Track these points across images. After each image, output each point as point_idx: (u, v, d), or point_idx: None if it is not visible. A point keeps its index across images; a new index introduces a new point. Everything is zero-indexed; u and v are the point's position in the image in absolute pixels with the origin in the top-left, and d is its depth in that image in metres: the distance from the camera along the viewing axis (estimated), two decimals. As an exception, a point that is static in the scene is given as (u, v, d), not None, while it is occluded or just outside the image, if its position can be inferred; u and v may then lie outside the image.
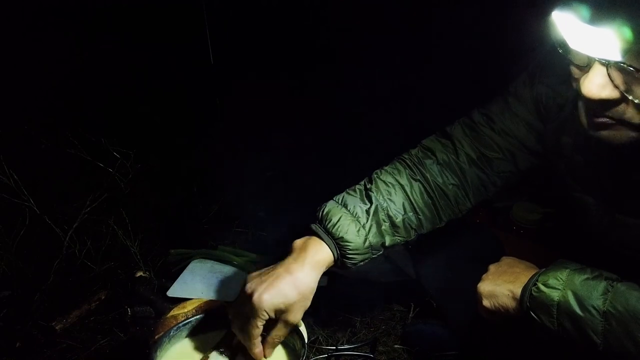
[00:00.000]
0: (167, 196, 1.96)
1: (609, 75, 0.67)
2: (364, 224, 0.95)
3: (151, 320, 1.35)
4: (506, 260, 0.88)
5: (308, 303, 0.91)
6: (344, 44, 2.22)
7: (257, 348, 0.89)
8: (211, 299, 1.30)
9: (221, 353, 0.95)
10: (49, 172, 1.79)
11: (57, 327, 1.29)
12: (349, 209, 0.97)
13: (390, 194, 0.99)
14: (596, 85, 0.68)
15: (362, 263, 0.97)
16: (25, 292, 1.40)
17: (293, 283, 0.88)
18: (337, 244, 0.93)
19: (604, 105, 0.70)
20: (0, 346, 1.24)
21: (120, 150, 1.48)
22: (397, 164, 1.05)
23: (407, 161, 1.05)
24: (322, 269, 0.93)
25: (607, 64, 0.67)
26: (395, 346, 1.25)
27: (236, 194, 2.05)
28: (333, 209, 0.98)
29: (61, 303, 1.39)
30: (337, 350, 1.22)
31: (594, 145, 0.84)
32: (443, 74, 2.07)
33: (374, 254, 0.98)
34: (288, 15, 2.23)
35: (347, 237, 0.93)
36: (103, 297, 1.43)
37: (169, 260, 1.62)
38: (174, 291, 1.43)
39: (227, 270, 1.59)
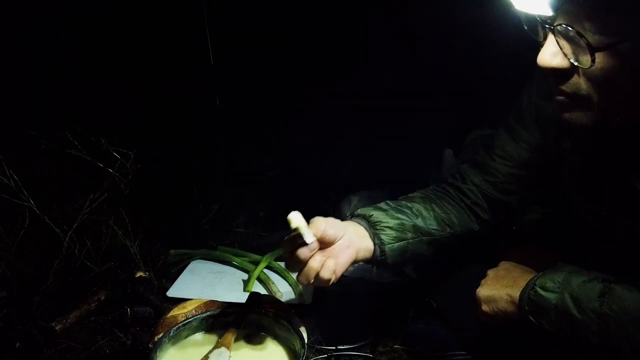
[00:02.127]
0: (167, 196, 1.96)
1: (558, 44, 0.71)
2: (391, 212, 1.03)
3: (151, 320, 1.35)
4: (504, 265, 0.89)
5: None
6: (344, 43, 2.22)
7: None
8: (211, 299, 1.30)
9: (221, 353, 0.94)
10: (49, 172, 1.79)
11: (56, 328, 1.29)
12: (377, 206, 1.06)
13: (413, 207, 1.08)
14: (548, 54, 0.73)
15: (398, 244, 1.00)
16: (25, 292, 1.40)
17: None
18: (368, 220, 1.01)
19: (560, 77, 0.73)
20: (0, 346, 1.24)
21: (120, 150, 1.48)
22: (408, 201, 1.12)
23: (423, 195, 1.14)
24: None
25: (552, 29, 0.71)
26: (395, 346, 1.25)
27: (236, 194, 2.05)
28: (361, 209, 1.05)
29: (61, 303, 1.38)
30: (336, 350, 1.22)
31: (582, 139, 0.87)
32: (443, 74, 2.08)
33: (409, 236, 1.01)
34: (288, 15, 2.23)
35: (376, 215, 1.01)
36: (103, 298, 1.42)
37: (168, 261, 1.62)
38: (173, 291, 1.43)
39: (227, 270, 1.59)
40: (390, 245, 1.00)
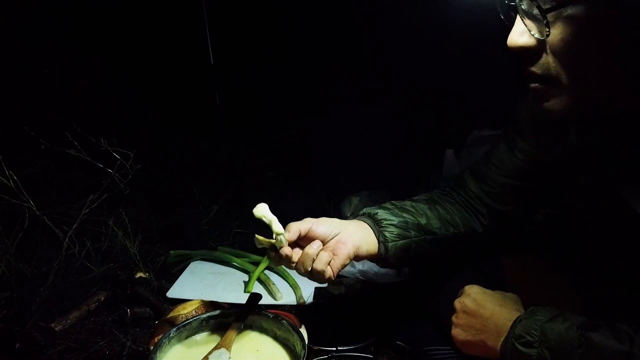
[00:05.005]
0: (167, 196, 1.95)
1: (524, 23, 0.71)
2: (396, 211, 1.04)
3: (151, 321, 1.35)
4: (471, 297, 0.88)
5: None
6: (345, 43, 2.22)
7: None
8: (211, 300, 1.30)
9: (221, 354, 0.94)
10: (49, 172, 1.79)
11: (56, 328, 1.29)
12: (382, 205, 1.07)
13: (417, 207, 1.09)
14: (515, 33, 0.72)
15: (401, 242, 1.01)
16: (25, 293, 1.40)
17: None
18: (373, 218, 1.02)
19: (530, 58, 0.73)
20: (0, 347, 1.24)
21: (120, 150, 1.48)
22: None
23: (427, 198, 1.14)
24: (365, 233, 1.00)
25: (515, 8, 0.71)
26: (397, 343, 1.24)
27: (236, 194, 2.05)
28: (366, 209, 1.06)
29: (61, 304, 1.38)
30: (337, 351, 1.22)
31: (574, 139, 0.86)
32: (442, 75, 2.07)
33: (412, 234, 1.02)
34: (287, 15, 2.23)
35: (380, 213, 1.02)
36: (102, 298, 1.42)
37: (168, 261, 1.62)
38: (173, 292, 1.43)
39: (226, 271, 1.59)
40: (393, 242, 1.00)
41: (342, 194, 1.97)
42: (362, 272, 1.58)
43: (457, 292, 1.09)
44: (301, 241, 0.93)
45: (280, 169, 2.21)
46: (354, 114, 2.21)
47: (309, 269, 0.89)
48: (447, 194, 1.15)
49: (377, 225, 1.02)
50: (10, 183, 1.39)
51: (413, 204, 1.08)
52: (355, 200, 1.92)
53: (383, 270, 1.59)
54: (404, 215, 1.04)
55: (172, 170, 2.06)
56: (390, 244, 1.00)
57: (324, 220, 0.95)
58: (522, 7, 0.70)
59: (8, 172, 1.39)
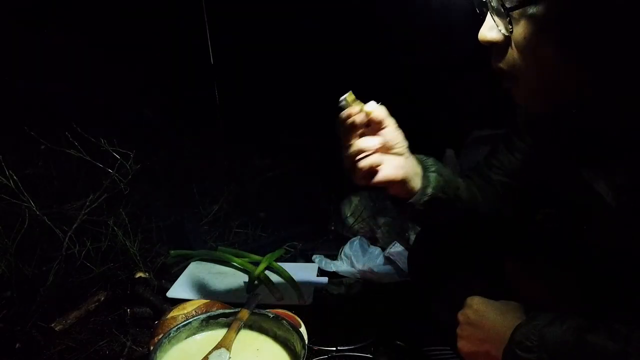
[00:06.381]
0: (167, 196, 1.95)
1: (493, 19, 0.75)
2: (444, 170, 1.03)
3: (151, 321, 1.35)
4: (472, 308, 0.89)
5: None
6: (345, 44, 2.22)
7: None
8: (211, 300, 1.30)
9: (221, 354, 0.94)
10: (49, 172, 1.79)
11: (56, 328, 1.29)
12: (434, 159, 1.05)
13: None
14: (485, 28, 0.77)
15: (434, 192, 0.99)
16: (25, 293, 1.40)
17: None
18: (423, 164, 1.00)
19: (498, 53, 0.77)
20: (0, 347, 1.24)
21: (120, 150, 1.48)
22: None
23: None
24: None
25: (485, 3, 0.76)
26: (397, 343, 1.24)
27: (236, 194, 2.05)
28: (418, 155, 1.03)
29: (61, 304, 1.38)
30: (337, 351, 1.22)
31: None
32: (442, 75, 2.07)
33: (447, 192, 1.01)
34: (287, 15, 2.23)
35: (430, 161, 1.01)
36: (102, 298, 1.42)
37: (168, 261, 1.62)
38: (173, 292, 1.43)
39: (226, 271, 1.59)
40: (434, 187, 0.99)
41: (342, 194, 1.97)
42: (361, 272, 1.58)
43: (457, 293, 1.10)
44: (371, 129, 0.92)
45: (280, 169, 2.21)
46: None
47: (354, 157, 0.90)
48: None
49: (425, 170, 1.00)
50: (10, 183, 1.39)
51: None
52: (355, 200, 1.92)
53: (383, 270, 1.59)
54: (449, 172, 1.04)
55: (172, 170, 2.06)
56: (430, 189, 0.99)
57: (399, 131, 0.94)
58: (492, 3, 0.74)
59: (8, 172, 1.39)
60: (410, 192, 0.98)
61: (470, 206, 1.06)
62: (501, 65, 0.78)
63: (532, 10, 0.70)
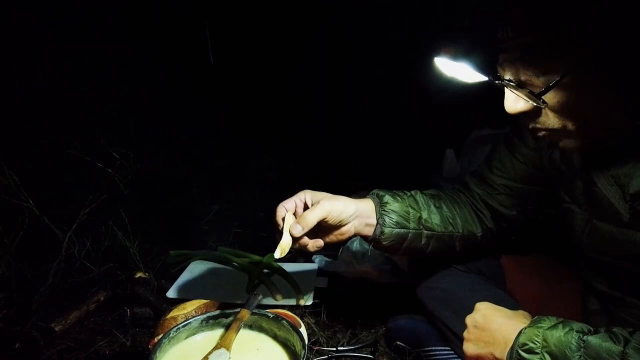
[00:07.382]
0: (166, 196, 1.95)
1: (516, 94, 0.79)
2: (402, 201, 1.08)
3: (151, 321, 1.35)
4: (480, 312, 0.91)
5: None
6: (345, 44, 2.22)
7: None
8: (211, 300, 1.30)
9: (221, 354, 0.94)
10: (48, 172, 1.79)
11: (56, 328, 1.29)
12: (394, 192, 1.11)
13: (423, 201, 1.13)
14: (509, 101, 0.81)
15: (397, 230, 1.05)
16: (25, 293, 1.40)
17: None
18: (380, 200, 1.07)
19: (530, 117, 0.81)
20: (0, 347, 1.24)
21: (120, 150, 1.48)
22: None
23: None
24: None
25: (502, 84, 0.79)
26: (397, 344, 1.24)
27: (236, 194, 2.05)
28: (379, 189, 1.11)
29: (60, 304, 1.38)
30: (337, 351, 1.22)
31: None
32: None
33: (411, 226, 1.06)
34: (288, 16, 2.23)
35: (387, 198, 1.07)
36: (102, 298, 1.42)
37: (168, 261, 1.62)
38: (173, 292, 1.43)
39: (226, 271, 1.59)
40: (389, 229, 1.05)
41: (342, 194, 1.97)
42: (361, 272, 1.58)
43: (452, 291, 1.13)
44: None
45: (280, 169, 2.21)
46: (354, 114, 2.21)
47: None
48: (455, 193, 1.17)
49: (380, 208, 1.06)
50: (10, 183, 1.39)
51: (421, 195, 1.11)
52: (355, 200, 1.91)
53: (383, 270, 1.59)
54: (409, 205, 1.07)
55: (172, 170, 2.06)
56: (386, 229, 1.05)
57: (335, 203, 1.03)
58: (508, 83, 0.78)
59: (8, 172, 1.39)
60: (370, 233, 1.06)
61: (443, 230, 1.10)
62: (538, 126, 0.81)
63: (563, 82, 0.73)
